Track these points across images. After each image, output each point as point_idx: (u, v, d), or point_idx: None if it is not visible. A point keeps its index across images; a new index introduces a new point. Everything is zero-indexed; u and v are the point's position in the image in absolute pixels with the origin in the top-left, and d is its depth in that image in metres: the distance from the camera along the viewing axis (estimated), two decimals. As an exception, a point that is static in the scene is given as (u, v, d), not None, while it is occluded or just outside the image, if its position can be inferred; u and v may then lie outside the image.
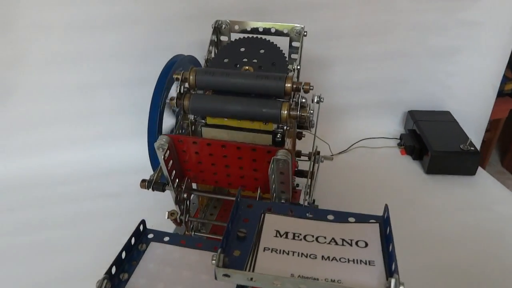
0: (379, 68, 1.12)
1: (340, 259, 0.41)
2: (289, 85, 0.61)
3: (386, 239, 0.43)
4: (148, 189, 0.65)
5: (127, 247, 0.51)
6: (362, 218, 0.47)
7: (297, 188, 0.84)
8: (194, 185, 0.72)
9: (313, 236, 0.44)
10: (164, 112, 0.74)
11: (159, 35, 0.95)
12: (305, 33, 0.71)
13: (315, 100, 0.67)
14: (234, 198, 0.63)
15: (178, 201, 0.65)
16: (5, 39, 0.89)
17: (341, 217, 0.47)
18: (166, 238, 0.54)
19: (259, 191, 0.63)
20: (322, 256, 0.41)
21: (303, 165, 0.75)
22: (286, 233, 0.44)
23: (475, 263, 0.76)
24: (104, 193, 0.92)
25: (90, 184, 0.95)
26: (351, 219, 0.46)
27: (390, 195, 0.93)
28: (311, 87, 0.63)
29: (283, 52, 0.69)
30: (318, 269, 0.40)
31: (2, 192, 0.92)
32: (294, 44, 0.73)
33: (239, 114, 0.62)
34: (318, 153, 0.79)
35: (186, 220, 0.68)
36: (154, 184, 0.64)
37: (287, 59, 0.70)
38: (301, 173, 0.76)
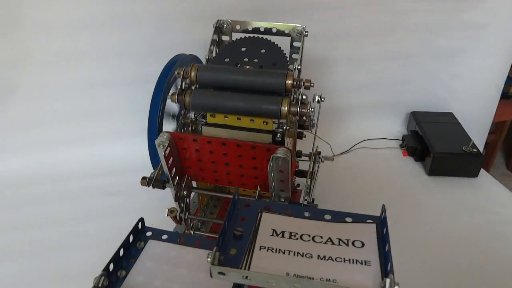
0: (382, 69, 1.12)
1: (336, 259, 0.41)
2: (289, 81, 0.61)
3: (383, 239, 0.42)
4: (148, 186, 0.65)
5: (125, 244, 0.51)
6: (359, 218, 0.46)
7: (297, 188, 0.84)
8: (194, 184, 0.72)
9: (309, 236, 0.44)
10: (164, 113, 0.74)
11: (161, 35, 0.95)
12: (306, 33, 0.71)
13: (316, 100, 0.68)
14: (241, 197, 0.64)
15: (178, 198, 0.65)
16: (7, 38, 0.90)
17: (339, 217, 0.47)
18: (165, 236, 0.54)
19: (258, 189, 0.63)
20: (318, 256, 0.41)
21: (304, 165, 0.76)
22: (283, 232, 0.44)
23: (476, 265, 0.75)
24: (105, 191, 0.92)
25: (91, 182, 0.95)
26: (348, 219, 0.46)
27: (391, 196, 0.92)
28: (312, 84, 0.63)
29: (284, 52, 0.69)
30: (314, 268, 0.40)
31: (3, 190, 0.93)
32: (295, 44, 0.73)
33: (239, 110, 0.62)
34: (319, 153, 0.79)
35: (186, 217, 0.68)
36: (155, 181, 0.65)
37: (288, 59, 0.70)
38: (302, 173, 0.76)
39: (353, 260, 0.41)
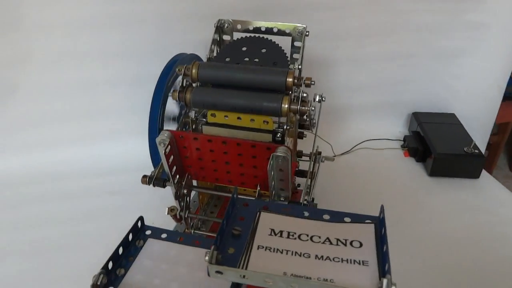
0: (384, 69, 1.12)
1: (333, 259, 0.41)
2: (290, 79, 0.61)
3: (381, 239, 0.42)
4: (149, 184, 0.65)
5: (125, 243, 0.52)
6: (358, 218, 0.46)
7: (298, 188, 0.84)
8: (195, 183, 0.72)
9: (307, 235, 0.44)
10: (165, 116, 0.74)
11: (162, 34, 0.95)
12: (307, 33, 0.71)
13: (317, 99, 0.68)
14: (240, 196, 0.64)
15: (178, 196, 0.65)
16: (8, 38, 0.91)
17: (337, 217, 0.47)
18: (164, 235, 0.54)
19: (258, 188, 0.63)
20: (316, 256, 0.41)
21: (305, 165, 0.76)
22: (281, 231, 0.44)
23: (477, 266, 0.75)
24: (105, 191, 0.93)
25: (91, 181, 0.95)
26: (347, 219, 0.46)
27: (392, 196, 0.92)
28: (313, 82, 0.63)
29: (284, 51, 0.69)
30: (311, 268, 0.40)
31: (3, 189, 0.93)
32: (296, 44, 0.73)
33: (240, 107, 0.62)
34: (319, 153, 0.79)
35: (186, 216, 0.68)
36: (155, 180, 0.65)
37: (288, 58, 0.70)
38: (302, 173, 0.76)
39: (351, 260, 0.41)
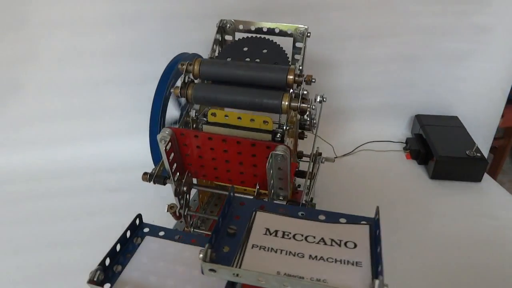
0: (387, 71, 1.12)
1: (327, 259, 0.41)
2: (291, 76, 0.62)
3: (375, 241, 0.42)
4: (149, 182, 0.66)
5: (122, 240, 0.52)
6: (353, 219, 0.47)
7: (298, 189, 0.84)
8: (195, 182, 0.72)
9: (302, 235, 0.44)
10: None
11: (166, 34, 0.96)
12: (308, 34, 0.71)
13: (318, 100, 0.68)
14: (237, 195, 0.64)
15: (177, 193, 0.66)
16: (14, 36, 0.92)
17: (333, 217, 0.47)
18: (161, 233, 0.55)
19: (257, 187, 0.63)
20: (310, 255, 0.42)
21: (305, 166, 0.76)
22: (276, 231, 0.45)
23: (477, 269, 0.75)
24: (107, 188, 0.94)
25: (94, 179, 0.96)
26: (342, 220, 0.46)
27: (393, 198, 0.92)
28: (313, 79, 0.63)
29: (285, 52, 0.70)
30: (305, 268, 0.40)
31: (5, 185, 0.95)
32: (298, 44, 0.74)
33: (241, 103, 0.63)
34: (320, 154, 0.79)
35: (185, 214, 0.69)
36: (156, 177, 0.66)
37: (289, 59, 0.70)
38: (302, 174, 0.76)
39: (344, 260, 0.41)
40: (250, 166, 0.62)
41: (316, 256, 0.41)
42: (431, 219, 0.87)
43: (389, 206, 0.89)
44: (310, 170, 0.71)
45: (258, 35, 0.73)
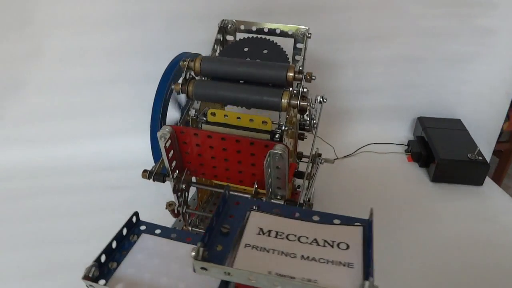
0: (390, 73, 1.11)
1: (319, 260, 0.41)
2: (291, 74, 0.62)
3: (368, 242, 0.43)
4: (149, 179, 0.67)
5: (118, 237, 0.52)
6: (347, 221, 0.47)
7: (298, 189, 0.85)
8: (194, 180, 0.73)
9: (295, 236, 0.44)
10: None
11: (168, 34, 0.97)
12: (309, 35, 0.72)
13: (318, 100, 0.68)
14: (232, 193, 0.64)
15: (176, 190, 0.66)
16: (20, 34, 0.93)
17: (327, 218, 0.47)
18: (158, 231, 0.55)
19: (255, 186, 0.64)
20: (302, 256, 0.42)
21: (305, 166, 0.76)
22: (269, 231, 0.45)
23: (476, 273, 0.75)
24: (108, 186, 0.94)
25: (95, 176, 0.97)
26: (336, 221, 0.46)
27: (393, 201, 0.92)
28: (313, 77, 0.63)
29: (286, 52, 0.70)
30: (296, 268, 0.40)
31: (6, 181, 0.96)
32: (299, 45, 0.74)
33: (241, 100, 0.63)
34: (320, 155, 0.79)
35: (184, 211, 0.69)
36: (155, 174, 0.66)
37: (290, 60, 0.70)
38: (301, 175, 0.76)
39: (336, 261, 0.41)
40: (248, 165, 0.62)
41: (308, 257, 0.42)
42: (431, 222, 0.87)
43: (389, 209, 0.89)
44: (309, 170, 0.71)
45: (259, 36, 0.73)
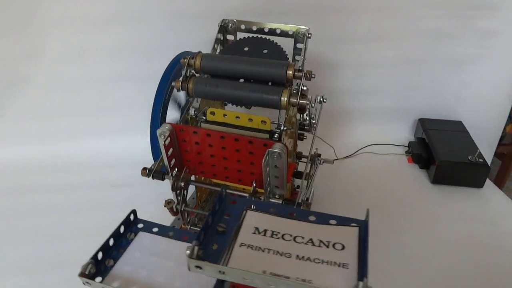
0: (392, 74, 1.11)
1: (314, 260, 0.41)
2: (290, 72, 0.62)
3: (363, 243, 0.43)
4: (148, 177, 0.67)
5: (116, 234, 0.53)
6: (343, 221, 0.47)
7: (297, 189, 0.85)
8: (193, 178, 0.73)
9: (291, 236, 0.44)
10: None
11: (170, 33, 0.97)
12: (309, 35, 0.72)
13: (318, 100, 0.68)
14: (233, 192, 0.65)
15: (175, 188, 0.66)
16: (23, 32, 0.94)
17: (323, 218, 0.47)
18: (155, 229, 0.55)
19: (254, 184, 0.64)
20: (297, 256, 0.42)
21: (304, 166, 0.76)
22: (265, 230, 0.45)
23: (474, 277, 0.74)
24: (109, 183, 0.95)
25: (96, 174, 0.98)
26: (332, 222, 0.46)
27: (392, 202, 0.92)
28: (313, 75, 0.63)
29: (286, 52, 0.70)
30: (291, 268, 0.40)
31: (7, 177, 0.96)
32: (299, 45, 0.74)
33: (240, 98, 0.64)
34: (319, 155, 0.79)
35: (182, 209, 0.69)
36: (154, 172, 0.67)
37: (289, 59, 0.70)
38: (300, 175, 0.76)
39: (331, 262, 0.41)
40: (247, 164, 0.63)
41: (303, 257, 0.42)
42: (430, 224, 0.87)
43: (389, 210, 0.89)
44: (307, 170, 0.71)
45: (259, 35, 0.73)
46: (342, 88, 1.12)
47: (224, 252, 0.42)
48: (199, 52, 0.78)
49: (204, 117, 0.68)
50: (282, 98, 0.62)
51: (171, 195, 0.68)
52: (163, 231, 0.55)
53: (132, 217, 0.56)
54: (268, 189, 0.62)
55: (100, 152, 1.04)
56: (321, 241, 0.44)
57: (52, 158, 1.01)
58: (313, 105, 0.66)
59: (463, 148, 1.00)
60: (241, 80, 0.66)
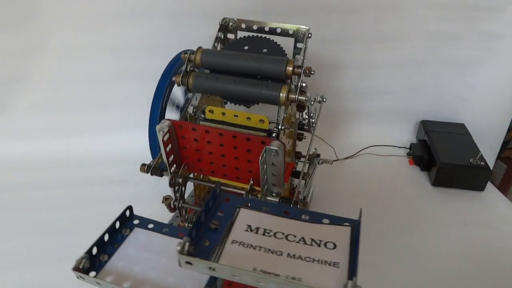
0: (395, 75, 1.11)
1: (305, 258, 0.41)
2: (290, 68, 0.62)
3: (354, 242, 0.42)
4: (147, 173, 0.67)
5: (111, 230, 0.53)
6: (336, 220, 0.47)
7: (296, 189, 0.84)
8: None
9: (283, 234, 0.44)
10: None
11: (171, 31, 0.97)
12: (309, 35, 0.71)
13: (318, 99, 0.68)
14: (231, 190, 0.65)
15: (172, 184, 0.66)
16: (26, 28, 0.94)
17: (316, 217, 0.47)
18: (150, 225, 0.55)
19: (251, 182, 0.64)
20: (288, 254, 0.42)
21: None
22: (257, 228, 0.45)
23: (474, 280, 0.74)
24: (109, 180, 0.95)
25: (96, 170, 0.98)
26: (326, 221, 0.46)
27: (392, 204, 0.91)
28: (313, 72, 0.63)
29: (285, 52, 0.70)
30: (281, 266, 0.40)
31: (8, 172, 0.97)
32: (299, 45, 0.74)
33: (240, 93, 0.64)
34: (318, 155, 0.79)
35: (180, 206, 0.70)
36: (153, 168, 0.67)
37: (289, 59, 0.70)
38: (298, 174, 0.76)
39: (322, 261, 0.41)
40: (245, 161, 0.63)
41: (294, 255, 0.42)
42: (430, 226, 0.86)
43: (388, 212, 0.89)
44: (305, 170, 0.71)
45: (259, 34, 0.73)
46: (345, 89, 1.11)
47: (216, 249, 0.42)
48: (200, 47, 0.79)
49: (203, 115, 0.68)
50: (281, 94, 0.62)
51: (170, 193, 0.68)
52: (159, 227, 0.55)
53: (128, 213, 0.56)
54: (265, 187, 0.62)
55: (101, 148, 1.04)
56: (313, 240, 0.44)
57: (53, 154, 1.02)
58: (312, 103, 0.66)
59: (465, 150, 1.00)
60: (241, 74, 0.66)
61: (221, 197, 0.49)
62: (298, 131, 0.79)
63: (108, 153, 1.03)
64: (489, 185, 0.98)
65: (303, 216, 0.47)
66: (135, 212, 0.56)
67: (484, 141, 1.09)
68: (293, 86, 0.64)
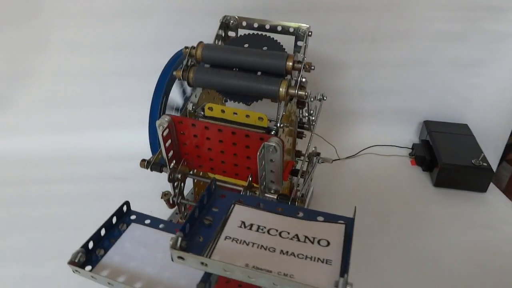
0: (397, 75, 1.10)
1: (298, 255, 0.41)
2: (290, 63, 0.62)
3: (348, 240, 0.42)
4: (146, 168, 0.68)
5: (107, 225, 0.53)
6: (331, 218, 0.47)
7: (295, 187, 0.84)
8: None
9: (277, 231, 0.44)
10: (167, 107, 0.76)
11: (176, 28, 0.98)
12: (310, 33, 0.71)
13: (318, 98, 0.68)
14: (229, 186, 0.65)
15: (171, 179, 0.67)
16: (30, 24, 0.95)
17: (311, 215, 0.47)
18: (147, 221, 0.56)
19: (249, 178, 0.64)
20: (281, 251, 0.42)
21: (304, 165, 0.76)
22: (251, 225, 0.45)
23: (476, 281, 0.73)
24: (111, 176, 0.96)
25: (98, 166, 0.99)
26: (320, 218, 0.46)
27: (393, 204, 0.91)
28: (313, 67, 0.63)
29: (285, 50, 0.70)
30: (274, 262, 0.40)
31: (9, 168, 0.98)
32: (299, 43, 0.74)
33: (239, 88, 0.64)
34: (318, 154, 0.79)
35: (178, 202, 0.70)
36: (153, 164, 0.67)
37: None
38: (297, 172, 0.76)
39: (314, 258, 0.41)
40: (244, 158, 0.63)
41: (287, 252, 0.42)
42: (431, 227, 0.86)
43: (390, 212, 0.88)
44: (304, 168, 0.71)
45: (259, 32, 0.73)
46: (347, 88, 1.11)
47: (209, 244, 0.42)
48: (201, 42, 0.79)
49: (202, 113, 0.69)
50: (281, 89, 0.62)
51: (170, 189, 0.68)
52: (155, 223, 0.56)
53: (125, 208, 0.56)
54: (264, 183, 0.62)
55: (102, 145, 1.05)
56: (306, 237, 0.44)
57: (54, 151, 1.03)
58: (312, 99, 0.65)
59: (467, 151, 0.99)
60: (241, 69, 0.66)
61: (216, 194, 0.49)
62: (298, 129, 0.79)
63: (109, 150, 1.04)
64: (492, 186, 0.97)
65: (298, 214, 0.47)
66: (136, 208, 0.56)
67: (488, 142, 1.08)
68: (293, 82, 0.64)
